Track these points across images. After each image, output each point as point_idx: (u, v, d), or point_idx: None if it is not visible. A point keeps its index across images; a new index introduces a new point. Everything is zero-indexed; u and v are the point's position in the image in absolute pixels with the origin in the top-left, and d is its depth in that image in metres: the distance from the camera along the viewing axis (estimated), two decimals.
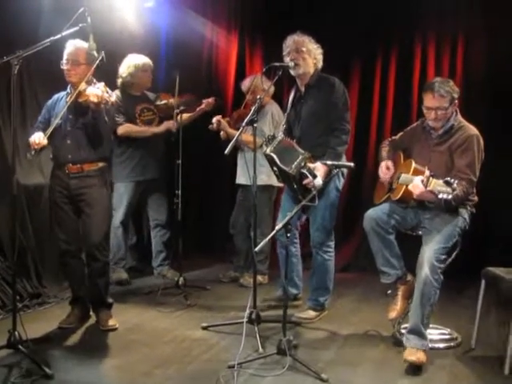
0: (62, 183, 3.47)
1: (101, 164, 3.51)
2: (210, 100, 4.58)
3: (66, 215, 3.50)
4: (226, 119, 4.52)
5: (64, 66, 3.41)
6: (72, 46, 3.40)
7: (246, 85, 4.60)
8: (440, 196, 2.78)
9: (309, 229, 3.76)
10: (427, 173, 2.91)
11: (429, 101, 3.13)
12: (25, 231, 4.08)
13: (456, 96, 3.13)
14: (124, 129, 4.41)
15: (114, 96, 3.39)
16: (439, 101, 3.09)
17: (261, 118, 4.33)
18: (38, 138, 3.28)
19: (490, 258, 3.93)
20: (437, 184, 2.79)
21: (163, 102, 4.53)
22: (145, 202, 4.74)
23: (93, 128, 3.39)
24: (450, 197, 2.76)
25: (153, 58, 4.71)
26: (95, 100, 3.20)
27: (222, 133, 4.56)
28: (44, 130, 3.35)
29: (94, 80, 3.44)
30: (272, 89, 4.35)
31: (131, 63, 4.46)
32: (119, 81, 4.49)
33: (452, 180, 2.75)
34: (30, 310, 3.83)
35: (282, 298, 3.64)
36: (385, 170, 3.35)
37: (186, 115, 4.46)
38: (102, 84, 3.38)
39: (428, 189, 2.84)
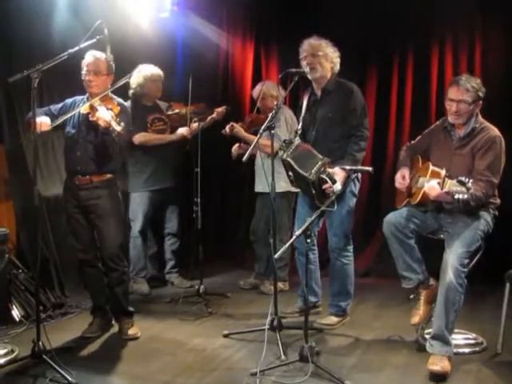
0: (73, 194, 3.49)
1: (109, 175, 3.50)
2: (221, 109, 4.58)
3: (79, 225, 3.52)
4: (239, 124, 4.52)
5: (85, 77, 3.43)
6: (92, 56, 3.42)
7: (255, 92, 4.61)
8: (456, 196, 2.75)
9: (326, 235, 3.73)
10: (442, 174, 2.88)
11: (453, 93, 3.10)
12: (46, 242, 4.13)
13: (481, 95, 3.09)
14: (141, 138, 4.40)
15: (121, 126, 3.24)
16: (463, 94, 3.06)
17: (275, 123, 4.32)
18: (46, 121, 3.28)
19: None
20: (452, 184, 2.77)
21: (175, 111, 4.55)
22: (162, 210, 4.75)
23: (102, 145, 3.39)
24: (465, 196, 2.74)
25: (169, 67, 4.73)
26: (102, 125, 3.21)
27: (233, 149, 4.58)
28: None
29: (114, 96, 3.46)
30: (283, 93, 4.36)
31: (140, 74, 4.47)
32: (130, 92, 4.50)
33: (466, 179, 2.73)
34: (53, 320, 3.86)
35: (302, 309, 3.62)
36: (400, 179, 3.31)
37: (196, 124, 4.46)
38: (118, 108, 3.34)
39: (444, 190, 2.81)
